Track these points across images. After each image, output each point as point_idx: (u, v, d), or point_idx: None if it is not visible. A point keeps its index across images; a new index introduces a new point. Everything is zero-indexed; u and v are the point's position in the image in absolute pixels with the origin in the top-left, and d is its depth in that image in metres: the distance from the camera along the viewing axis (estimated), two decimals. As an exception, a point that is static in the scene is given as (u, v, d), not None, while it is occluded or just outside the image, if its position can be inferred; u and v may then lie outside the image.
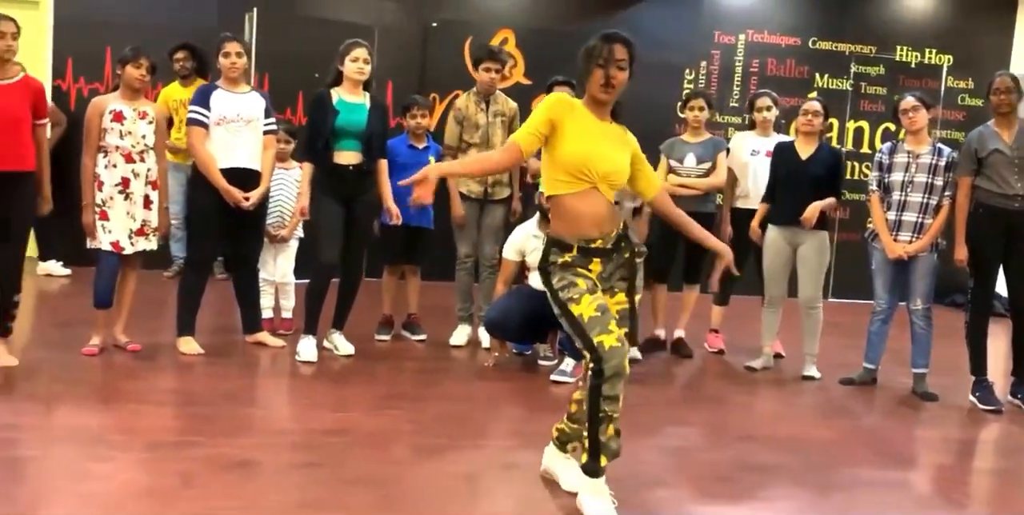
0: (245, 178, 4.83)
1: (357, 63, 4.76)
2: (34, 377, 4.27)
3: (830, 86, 8.31)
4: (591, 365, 2.79)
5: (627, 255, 2.99)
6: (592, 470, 2.88)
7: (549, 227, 3.00)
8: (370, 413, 4.01)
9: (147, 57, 4.69)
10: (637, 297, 3.05)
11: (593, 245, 2.91)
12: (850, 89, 8.40)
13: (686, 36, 8.13)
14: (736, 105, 7.96)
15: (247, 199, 4.78)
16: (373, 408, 4.08)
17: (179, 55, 7.07)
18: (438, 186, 5.38)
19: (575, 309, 2.83)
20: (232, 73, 4.84)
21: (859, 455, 3.84)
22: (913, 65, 8.43)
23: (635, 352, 5.42)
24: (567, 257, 2.91)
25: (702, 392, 4.85)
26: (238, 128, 4.81)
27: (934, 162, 4.82)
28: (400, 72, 7.62)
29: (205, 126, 4.77)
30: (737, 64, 8.23)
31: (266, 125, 4.93)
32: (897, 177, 4.88)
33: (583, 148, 2.89)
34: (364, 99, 4.86)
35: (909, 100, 4.85)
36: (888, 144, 5.05)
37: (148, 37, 7.16)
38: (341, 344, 5.05)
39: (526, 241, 5.03)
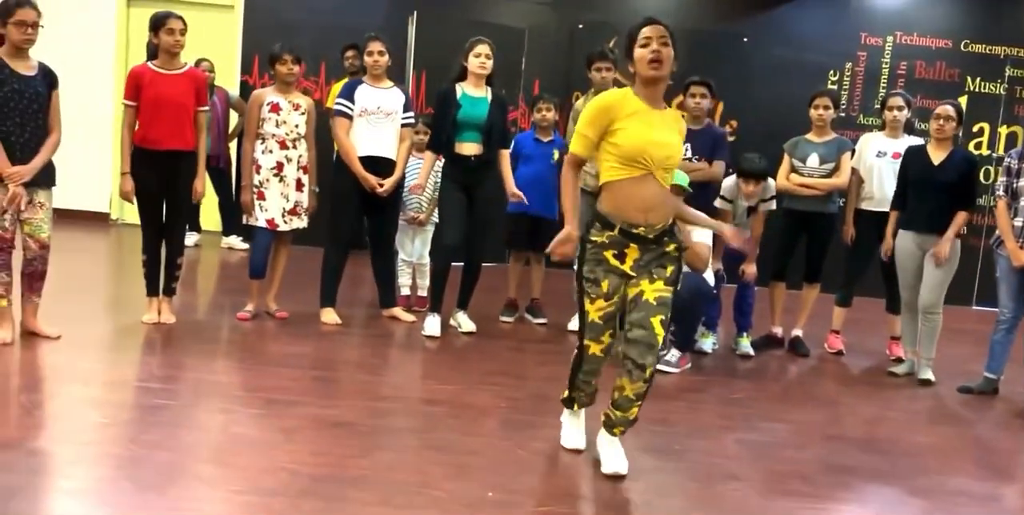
0: (382, 166, 4.97)
1: (480, 58, 4.79)
2: (190, 335, 4.56)
3: (982, 89, 7.66)
4: (576, 351, 3.12)
5: (668, 249, 2.92)
6: (566, 402, 3.31)
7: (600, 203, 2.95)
8: (472, 387, 4.04)
9: (291, 53, 4.89)
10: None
11: (635, 231, 2.85)
12: (1004, 93, 7.72)
13: (831, 37, 7.69)
14: (879, 107, 7.47)
15: (381, 186, 4.92)
16: (477, 383, 4.12)
17: (348, 54, 7.33)
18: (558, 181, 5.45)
19: (587, 306, 2.96)
20: (375, 70, 4.98)
21: (954, 464, 3.55)
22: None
23: (747, 348, 5.22)
24: (606, 237, 2.88)
25: (807, 391, 4.61)
26: (378, 120, 4.96)
27: (1067, 167, 4.37)
28: (548, 72, 7.60)
29: (349, 117, 4.94)
30: (884, 66, 7.73)
31: (404, 118, 5.05)
32: (1025, 183, 4.46)
33: (638, 139, 2.84)
34: (486, 93, 4.89)
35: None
36: (1019, 148, 4.62)
37: (323, 37, 7.53)
38: (464, 322, 5.12)
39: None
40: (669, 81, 2.95)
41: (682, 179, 4.72)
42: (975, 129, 7.58)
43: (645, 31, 2.87)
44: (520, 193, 4.94)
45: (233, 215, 7.49)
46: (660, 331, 2.86)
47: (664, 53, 2.84)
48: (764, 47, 7.55)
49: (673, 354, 4.67)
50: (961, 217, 4.69)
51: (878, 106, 7.25)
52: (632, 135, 2.84)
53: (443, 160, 5.00)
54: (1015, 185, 4.52)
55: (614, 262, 2.89)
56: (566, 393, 3.28)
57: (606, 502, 2.85)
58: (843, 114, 7.54)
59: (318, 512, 2.57)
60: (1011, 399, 4.67)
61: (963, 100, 7.60)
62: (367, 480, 2.84)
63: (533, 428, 3.50)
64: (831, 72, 7.72)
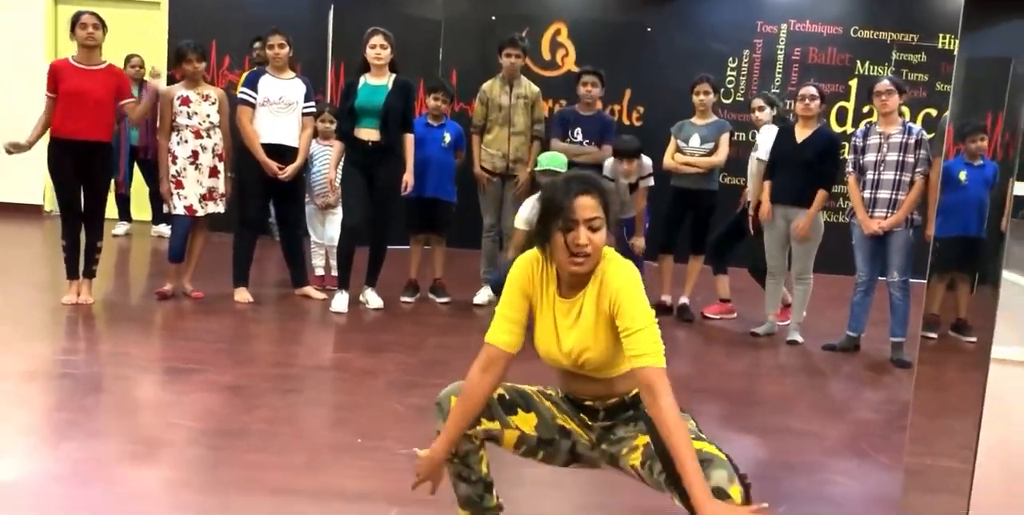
0: (284, 153, 5.24)
1: (375, 49, 5.07)
2: (106, 313, 4.81)
3: (871, 73, 8.08)
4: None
5: (630, 414, 2.13)
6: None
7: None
8: (367, 354, 4.34)
9: (195, 51, 5.14)
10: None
11: (581, 403, 2.17)
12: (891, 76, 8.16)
13: (730, 26, 8.07)
14: (778, 91, 7.86)
15: (282, 170, 5.20)
16: (372, 351, 4.41)
17: (255, 45, 7.32)
18: (464, 164, 5.74)
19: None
20: (276, 61, 5.25)
21: (795, 409, 3.93)
22: (955, 53, 8.08)
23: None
24: (554, 393, 2.24)
25: (686, 350, 4.97)
26: (280, 110, 5.23)
27: (904, 140, 4.77)
28: (465, 61, 7.86)
29: (252, 106, 5.20)
30: (779, 52, 8.12)
31: (305, 107, 5.33)
32: (871, 157, 4.85)
33: (544, 345, 2.13)
34: (387, 81, 5.14)
35: (884, 83, 4.80)
36: (862, 128, 5.02)
37: (247, 32, 7.70)
38: (372, 299, 5.40)
39: (534, 211, 5.23)
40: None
41: (558, 162, 5.07)
42: (865, 110, 8.00)
43: (568, 206, 1.95)
44: (411, 182, 5.18)
45: (162, 205, 7.71)
46: (709, 448, 1.91)
47: (594, 242, 1.96)
48: (668, 36, 7.90)
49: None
50: (820, 195, 5.05)
51: (777, 91, 7.68)
52: (539, 337, 2.14)
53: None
54: (861, 161, 4.91)
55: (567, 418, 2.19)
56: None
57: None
58: (741, 99, 7.94)
59: (200, 459, 2.86)
60: (869, 355, 5.07)
61: (853, 83, 8.06)
62: (248, 432, 3.13)
63: (416, 387, 3.81)
64: (730, 59, 8.10)
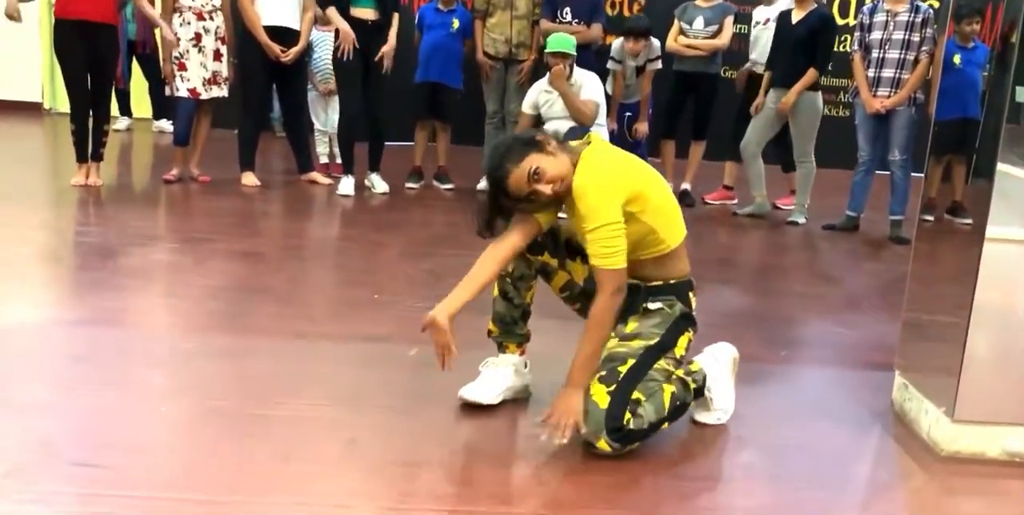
0: (286, 36, 5.19)
1: None
2: (116, 194, 4.87)
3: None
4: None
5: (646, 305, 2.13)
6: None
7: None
8: (377, 230, 4.41)
9: None
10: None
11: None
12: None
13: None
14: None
15: (285, 53, 5.15)
16: (381, 227, 4.49)
17: None
18: (467, 52, 5.66)
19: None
20: (278, -59, 5.13)
21: (795, 276, 4.03)
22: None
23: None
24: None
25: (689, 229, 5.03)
26: (282, -10, 5.15)
27: (911, 19, 4.74)
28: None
29: (254, -13, 5.12)
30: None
31: (306, -10, 5.26)
32: (876, 35, 4.81)
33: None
34: None
35: (892, -43, 4.74)
36: (869, 5, 4.96)
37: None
38: (377, 183, 5.44)
39: (539, 95, 5.20)
40: None
41: (567, 45, 4.99)
42: None
43: (511, 185, 2.01)
44: (391, 62, 5.10)
45: (162, 99, 7.65)
46: (596, 389, 1.95)
47: (551, 187, 2.04)
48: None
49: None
50: (810, 73, 5.02)
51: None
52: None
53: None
54: (867, 39, 4.88)
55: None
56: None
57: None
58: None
59: (222, 310, 2.95)
60: (868, 234, 5.14)
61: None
62: (268, 289, 3.23)
63: (426, 256, 3.89)
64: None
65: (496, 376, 2.26)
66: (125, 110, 7.87)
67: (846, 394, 2.52)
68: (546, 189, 1.99)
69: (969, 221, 2.26)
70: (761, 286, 3.78)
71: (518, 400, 2.28)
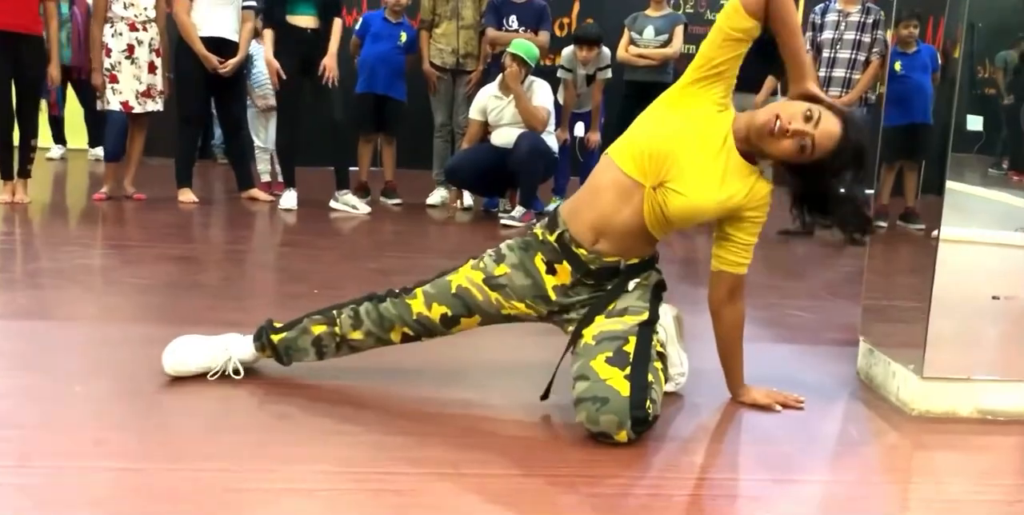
0: (224, 48, 5.10)
1: None
2: (45, 211, 4.69)
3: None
4: (377, 298, 2.04)
5: (611, 287, 1.96)
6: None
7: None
8: (321, 237, 4.30)
9: None
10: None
11: (574, 248, 1.94)
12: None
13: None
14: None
15: (223, 64, 5.06)
16: (325, 235, 4.38)
17: None
18: (412, 61, 5.63)
19: (461, 268, 2.01)
20: (214, -50, 5.08)
21: (751, 271, 3.97)
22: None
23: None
24: (545, 233, 1.99)
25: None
26: (219, 2, 5.07)
27: (862, 20, 4.82)
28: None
29: (190, -2, 5.05)
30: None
31: (244, 2, 5.18)
32: (828, 35, 4.89)
33: (670, 140, 1.90)
34: None
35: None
36: (821, 5, 5.05)
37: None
38: (358, 202, 5.12)
39: (487, 101, 5.17)
40: None
41: (530, 53, 4.96)
42: None
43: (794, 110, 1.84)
44: (335, 72, 5.00)
45: (99, 127, 7.49)
46: (609, 373, 1.78)
47: (814, 142, 1.83)
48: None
49: (519, 210, 4.99)
50: (768, 82, 5.11)
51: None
52: (667, 126, 1.94)
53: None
54: (818, 39, 4.95)
55: (539, 267, 1.98)
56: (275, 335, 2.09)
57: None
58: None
59: (145, 303, 2.81)
60: (824, 237, 5.08)
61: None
62: (201, 285, 3.10)
63: (372, 258, 3.79)
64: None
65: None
66: (59, 138, 7.67)
67: (809, 366, 2.45)
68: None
69: (922, 227, 2.27)
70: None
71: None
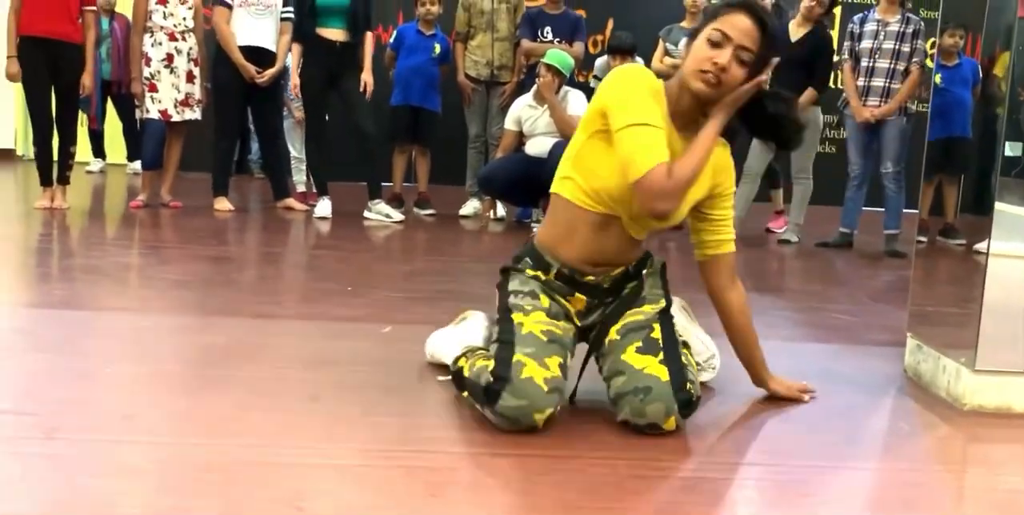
0: (262, 57, 5.15)
1: None
2: (83, 216, 4.74)
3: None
4: (490, 380, 1.69)
5: (634, 291, 1.88)
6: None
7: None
8: (356, 243, 4.31)
9: None
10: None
11: (581, 278, 1.87)
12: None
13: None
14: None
15: (260, 74, 5.10)
16: (360, 241, 4.37)
17: None
18: (446, 72, 5.65)
19: (517, 317, 1.79)
20: (254, -38, 5.15)
21: (790, 277, 3.92)
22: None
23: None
24: (540, 274, 1.87)
25: (664, 248, 4.94)
26: (259, 12, 5.14)
27: (902, 29, 4.75)
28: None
29: (228, 7, 5.11)
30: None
31: (284, 12, 5.24)
32: (866, 44, 4.82)
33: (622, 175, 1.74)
34: None
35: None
36: (860, 14, 4.99)
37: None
38: (391, 211, 5.12)
39: (522, 110, 5.15)
40: None
41: (565, 64, 4.95)
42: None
43: (728, 18, 1.74)
44: (372, 84, 5.05)
45: (138, 140, 7.59)
46: (645, 362, 1.74)
47: (731, 73, 1.73)
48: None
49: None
50: (808, 93, 5.00)
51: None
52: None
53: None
54: (857, 48, 4.89)
55: (557, 298, 1.87)
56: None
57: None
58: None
59: (179, 296, 2.80)
60: (862, 250, 5.01)
61: None
62: (235, 282, 3.10)
63: (405, 261, 3.79)
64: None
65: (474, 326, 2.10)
66: (99, 152, 7.79)
67: (853, 363, 2.38)
68: (732, 71, 1.73)
69: (962, 242, 2.23)
70: (753, 284, 3.65)
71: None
